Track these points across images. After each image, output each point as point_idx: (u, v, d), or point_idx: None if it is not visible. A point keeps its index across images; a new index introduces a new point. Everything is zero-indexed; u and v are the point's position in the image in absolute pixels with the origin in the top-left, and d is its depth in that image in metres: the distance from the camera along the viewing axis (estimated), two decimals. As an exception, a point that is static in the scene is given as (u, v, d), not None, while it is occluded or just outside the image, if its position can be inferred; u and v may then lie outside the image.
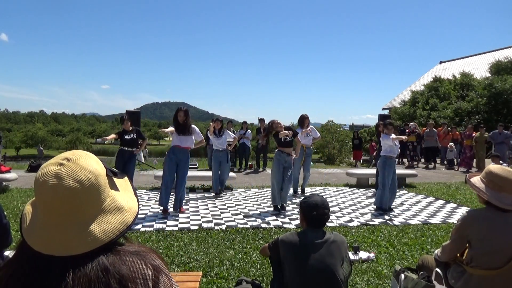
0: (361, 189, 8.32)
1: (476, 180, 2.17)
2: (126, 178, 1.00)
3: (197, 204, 6.43)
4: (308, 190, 7.99)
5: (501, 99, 18.75)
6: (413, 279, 2.36)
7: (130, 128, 7.08)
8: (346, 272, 2.15)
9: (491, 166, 2.16)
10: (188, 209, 5.99)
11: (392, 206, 6.31)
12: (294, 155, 6.25)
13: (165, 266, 0.92)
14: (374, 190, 8.11)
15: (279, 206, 6.00)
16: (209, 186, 8.04)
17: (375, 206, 6.24)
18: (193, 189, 7.93)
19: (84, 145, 44.89)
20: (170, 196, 5.81)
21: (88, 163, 0.86)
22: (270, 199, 6.14)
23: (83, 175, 0.83)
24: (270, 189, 7.62)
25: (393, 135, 6.06)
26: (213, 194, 7.29)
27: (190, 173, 8.74)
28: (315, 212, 2.23)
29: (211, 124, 7.42)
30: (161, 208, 5.71)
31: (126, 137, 6.96)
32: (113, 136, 6.99)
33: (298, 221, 5.18)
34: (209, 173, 7.73)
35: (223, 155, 7.32)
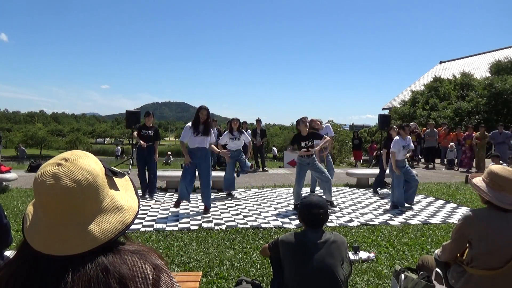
0: (361, 189, 8.31)
1: (478, 180, 2.18)
2: (127, 177, 1.00)
3: (197, 204, 6.43)
4: (308, 190, 7.98)
5: (501, 99, 18.75)
6: (413, 279, 2.36)
7: (151, 125, 7.04)
8: (346, 272, 2.14)
9: (493, 166, 2.16)
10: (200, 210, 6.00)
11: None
12: (324, 152, 6.29)
13: (166, 265, 0.92)
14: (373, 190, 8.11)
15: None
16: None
17: (390, 204, 6.37)
18: (193, 189, 7.93)
19: (84, 145, 44.90)
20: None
21: (86, 163, 0.86)
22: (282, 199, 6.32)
23: (81, 175, 0.83)
24: (270, 189, 7.64)
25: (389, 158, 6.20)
26: (226, 193, 7.27)
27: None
28: (309, 212, 2.22)
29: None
30: (181, 199, 5.75)
31: (143, 132, 6.91)
32: (135, 135, 7.00)
33: (298, 221, 5.18)
34: (212, 173, 7.73)
35: (238, 153, 7.24)
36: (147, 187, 7.01)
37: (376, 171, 8.18)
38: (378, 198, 7.30)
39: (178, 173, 8.39)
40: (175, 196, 7.11)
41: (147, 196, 6.93)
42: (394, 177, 6.21)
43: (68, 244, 0.81)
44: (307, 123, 6.00)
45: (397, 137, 6.25)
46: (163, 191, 7.74)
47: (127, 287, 0.82)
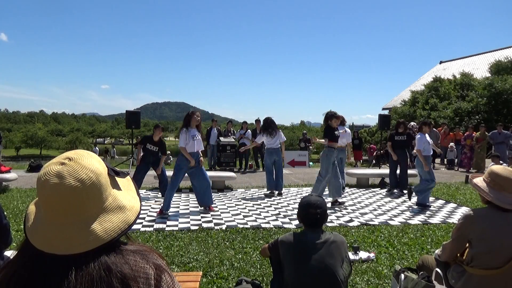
0: (361, 189, 8.31)
1: (479, 180, 2.19)
2: (128, 177, 1.00)
3: (197, 204, 6.42)
4: (308, 190, 7.99)
5: (501, 99, 18.75)
6: (413, 279, 2.36)
7: (156, 139, 6.87)
8: (346, 272, 2.14)
9: (494, 167, 2.18)
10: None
11: (393, 206, 6.33)
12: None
13: (167, 265, 0.92)
14: (374, 190, 8.11)
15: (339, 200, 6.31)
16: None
17: (417, 203, 6.42)
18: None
19: (84, 145, 44.93)
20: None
21: (89, 162, 0.86)
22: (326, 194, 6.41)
23: (84, 174, 0.83)
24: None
25: (430, 139, 6.31)
26: (268, 192, 7.38)
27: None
28: (307, 212, 2.22)
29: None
30: (163, 211, 5.62)
31: (148, 146, 6.80)
32: (140, 150, 6.86)
33: (298, 221, 5.18)
34: (209, 173, 7.72)
35: (277, 152, 7.32)
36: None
37: (376, 171, 8.18)
38: (381, 197, 7.30)
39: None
40: (176, 196, 7.11)
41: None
42: (424, 175, 6.23)
43: (71, 243, 0.81)
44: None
45: (420, 134, 6.31)
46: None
47: (129, 287, 0.82)
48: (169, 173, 8.36)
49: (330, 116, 6.28)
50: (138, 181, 6.94)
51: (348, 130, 7.73)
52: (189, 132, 5.61)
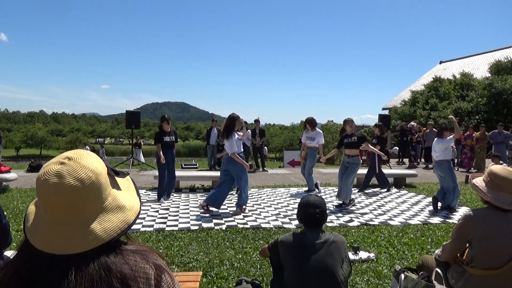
0: (361, 189, 8.31)
1: (478, 180, 2.19)
2: (128, 177, 1.00)
3: (197, 204, 6.43)
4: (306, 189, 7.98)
5: (501, 99, 18.76)
6: (413, 279, 2.36)
7: (169, 130, 6.75)
8: (346, 272, 2.14)
9: (493, 167, 2.17)
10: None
11: (393, 206, 6.33)
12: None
13: (167, 265, 0.92)
14: (374, 190, 8.11)
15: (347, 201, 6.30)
16: (209, 186, 8.07)
17: (450, 207, 6.13)
18: (193, 189, 7.95)
19: (84, 145, 44.95)
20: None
21: (89, 162, 0.86)
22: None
23: (84, 174, 0.83)
24: (270, 189, 7.63)
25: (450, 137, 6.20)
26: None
27: (190, 173, 8.76)
28: (306, 212, 2.22)
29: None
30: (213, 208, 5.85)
31: (166, 138, 6.65)
32: (159, 151, 6.62)
33: (298, 221, 5.17)
34: (209, 173, 7.73)
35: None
36: (164, 192, 6.79)
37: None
38: (381, 197, 7.30)
39: (182, 173, 8.39)
40: (176, 196, 7.11)
41: (162, 199, 6.69)
42: (447, 184, 6.07)
43: (70, 243, 0.81)
44: (351, 124, 6.44)
45: (449, 137, 6.15)
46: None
47: (129, 287, 0.82)
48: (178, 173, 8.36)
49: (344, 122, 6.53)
50: (162, 187, 6.72)
51: (319, 130, 7.73)
52: (236, 137, 5.78)
